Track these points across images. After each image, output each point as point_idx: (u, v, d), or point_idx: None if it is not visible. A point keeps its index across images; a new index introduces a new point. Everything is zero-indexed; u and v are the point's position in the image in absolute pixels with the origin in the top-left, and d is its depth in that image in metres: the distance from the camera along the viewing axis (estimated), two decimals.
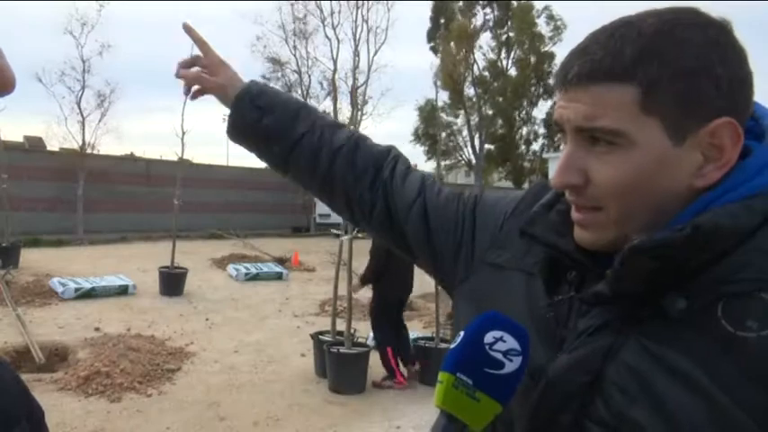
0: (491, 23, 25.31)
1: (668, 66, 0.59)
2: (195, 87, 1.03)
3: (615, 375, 0.62)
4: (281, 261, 11.51)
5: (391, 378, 5.32)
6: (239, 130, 1.00)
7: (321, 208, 18.58)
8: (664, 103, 0.60)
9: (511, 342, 0.64)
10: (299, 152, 0.97)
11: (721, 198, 0.61)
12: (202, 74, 1.02)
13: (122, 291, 8.41)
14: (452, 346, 0.67)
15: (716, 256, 0.60)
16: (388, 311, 5.45)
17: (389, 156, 0.98)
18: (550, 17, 25.15)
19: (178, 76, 1.02)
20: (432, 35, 25.67)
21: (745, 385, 0.56)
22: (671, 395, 0.59)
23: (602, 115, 0.61)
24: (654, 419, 0.59)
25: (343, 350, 5.21)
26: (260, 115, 0.97)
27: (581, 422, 0.64)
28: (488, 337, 0.64)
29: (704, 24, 0.62)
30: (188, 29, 1.04)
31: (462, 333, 0.66)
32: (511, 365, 0.64)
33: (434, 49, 25.20)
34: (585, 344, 0.66)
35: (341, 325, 5.55)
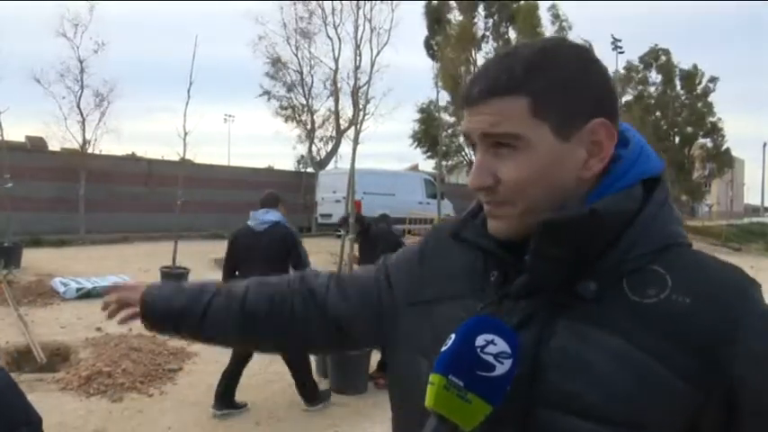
0: (490, 27, 25.21)
1: (550, 78, 0.73)
2: (123, 315, 1.06)
3: (549, 359, 0.70)
4: None
5: None
6: (155, 321, 1.03)
7: (322, 208, 18.56)
8: (550, 108, 0.72)
9: (501, 345, 0.67)
10: (211, 318, 0.99)
11: (609, 189, 0.75)
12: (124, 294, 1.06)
13: None
14: (444, 348, 0.69)
15: (608, 244, 0.72)
16: None
17: (295, 275, 1.02)
18: (556, 16, 25.06)
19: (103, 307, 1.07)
20: (429, 43, 25.59)
21: (659, 342, 0.68)
22: (601, 364, 0.68)
23: (501, 122, 0.72)
24: (592, 389, 0.68)
25: None
26: (168, 301, 1.01)
27: (532, 410, 0.70)
28: (479, 340, 0.67)
29: (573, 46, 0.78)
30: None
31: (453, 336, 0.69)
32: (502, 368, 0.66)
33: (432, 56, 25.11)
34: (519, 336, 0.71)
35: None
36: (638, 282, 0.71)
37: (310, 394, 4.68)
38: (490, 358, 0.66)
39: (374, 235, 5.56)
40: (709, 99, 35.41)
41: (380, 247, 5.40)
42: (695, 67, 34.74)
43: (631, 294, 0.71)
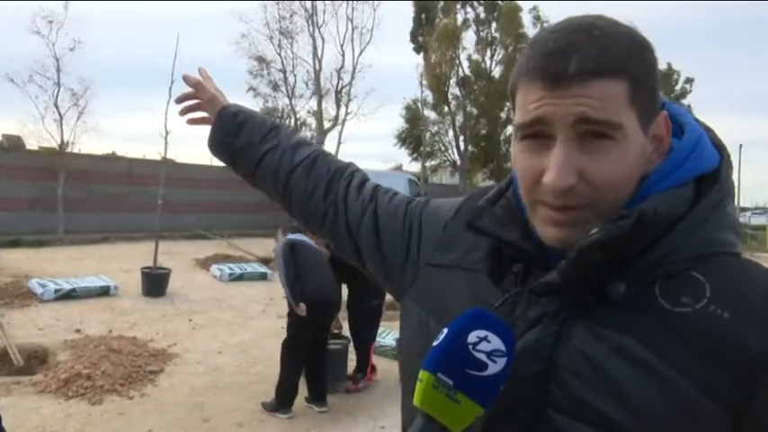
0: (472, 22, 25.33)
1: (644, 63, 0.65)
2: (189, 103, 1.16)
3: (567, 360, 0.65)
4: (265, 261, 11.44)
5: (364, 376, 5.36)
6: (216, 146, 1.12)
7: None
8: (642, 96, 0.64)
9: (495, 342, 0.62)
10: (262, 170, 1.06)
11: (656, 186, 0.67)
12: (201, 83, 1.16)
13: (104, 292, 8.30)
14: (435, 343, 0.65)
15: (649, 243, 0.65)
16: (380, 311, 5.53)
17: (347, 170, 1.03)
18: (537, 18, 25.28)
19: (185, 82, 1.16)
20: (415, 35, 25.67)
21: (688, 357, 0.61)
22: (621, 375, 0.62)
23: (605, 108, 0.62)
24: (608, 399, 0.62)
25: None
26: (233, 135, 1.08)
27: (540, 410, 0.65)
28: (472, 337, 0.62)
29: (635, 28, 0.68)
30: (186, 78, 1.19)
31: (446, 331, 0.65)
32: (494, 367, 0.62)
33: (417, 50, 25.20)
34: (535, 332, 0.68)
35: None
36: (673, 288, 0.64)
37: (279, 397, 4.67)
38: (482, 356, 0.61)
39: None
40: (688, 101, 35.89)
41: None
42: (670, 66, 35.21)
43: (663, 301, 0.63)
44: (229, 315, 8.05)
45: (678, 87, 36.05)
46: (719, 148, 0.72)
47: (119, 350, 5.76)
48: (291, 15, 19.69)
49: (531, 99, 0.65)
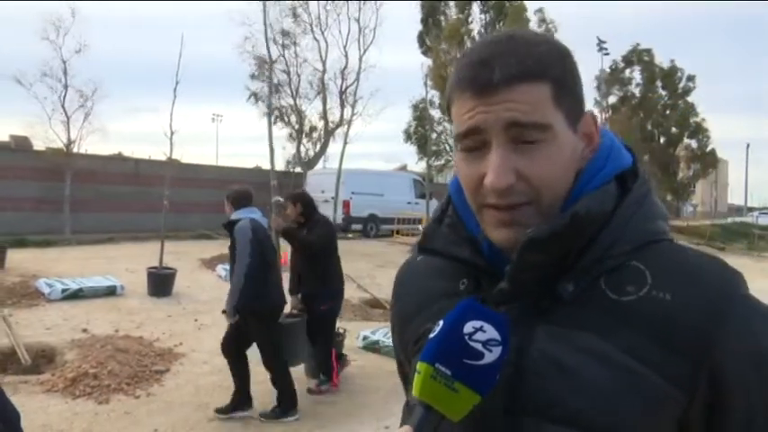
0: (483, 25, 25.30)
1: (565, 66, 0.70)
2: None
3: (532, 364, 0.68)
4: None
5: (329, 380, 5.24)
6: None
7: None
8: (566, 97, 0.69)
9: (491, 332, 0.64)
10: None
11: (586, 187, 0.71)
12: None
13: (110, 291, 8.34)
14: (431, 335, 0.66)
15: (587, 243, 0.70)
16: (333, 314, 5.33)
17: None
18: (542, 20, 25.26)
19: None
20: (422, 38, 25.69)
21: (640, 343, 0.65)
22: (583, 369, 0.66)
23: (532, 111, 0.66)
24: (575, 395, 0.65)
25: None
26: None
27: (513, 416, 0.67)
28: (468, 327, 0.64)
29: (553, 37, 0.76)
30: None
31: (441, 323, 0.66)
32: (490, 356, 0.63)
33: (426, 52, 25.20)
34: None
35: None
36: (617, 279, 0.68)
37: (283, 403, 4.62)
38: (479, 346, 0.63)
39: (315, 221, 5.47)
40: (692, 99, 35.77)
41: (316, 231, 5.21)
42: (673, 64, 35.01)
43: (610, 293, 0.68)
44: None
45: (681, 85, 35.81)
46: (627, 148, 0.78)
47: (125, 350, 5.78)
48: (295, 16, 19.70)
49: (463, 110, 0.69)
